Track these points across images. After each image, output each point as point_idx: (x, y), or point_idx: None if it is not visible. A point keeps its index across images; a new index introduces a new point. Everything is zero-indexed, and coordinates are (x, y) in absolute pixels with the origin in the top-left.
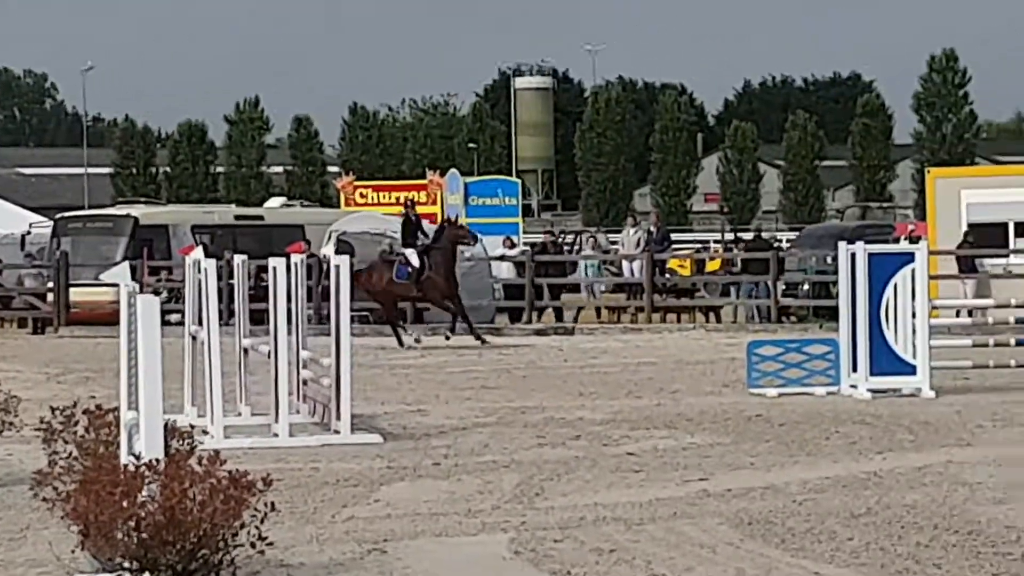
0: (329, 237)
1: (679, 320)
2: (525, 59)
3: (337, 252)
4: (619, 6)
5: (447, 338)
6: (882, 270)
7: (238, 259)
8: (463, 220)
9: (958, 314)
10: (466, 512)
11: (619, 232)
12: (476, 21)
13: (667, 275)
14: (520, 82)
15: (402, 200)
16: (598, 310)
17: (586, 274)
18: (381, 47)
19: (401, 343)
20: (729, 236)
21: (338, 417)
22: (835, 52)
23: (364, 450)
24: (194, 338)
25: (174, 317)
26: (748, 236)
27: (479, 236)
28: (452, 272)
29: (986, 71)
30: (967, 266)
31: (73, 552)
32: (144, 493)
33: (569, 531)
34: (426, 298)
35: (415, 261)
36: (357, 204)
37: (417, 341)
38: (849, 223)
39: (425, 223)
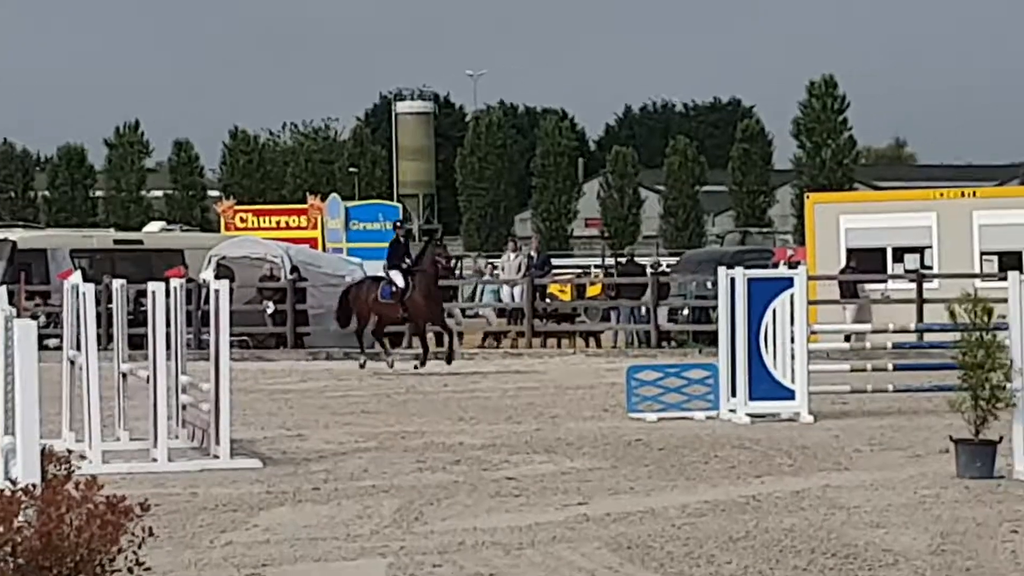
0: (209, 262)
1: (559, 345)
2: (406, 84)
3: (217, 277)
4: (500, 32)
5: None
6: (761, 295)
7: (117, 283)
8: (342, 244)
9: (847, 339)
10: (345, 537)
11: (499, 257)
12: (357, 45)
13: (547, 300)
14: (401, 107)
15: (394, 223)
16: (484, 336)
17: (480, 299)
18: (262, 71)
19: (388, 355)
20: (610, 261)
21: (217, 442)
22: (715, 77)
23: (243, 475)
24: (72, 363)
25: (52, 342)
26: (622, 260)
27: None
28: (435, 293)
29: (864, 97)
30: (849, 291)
31: None
32: (20, 518)
33: (448, 555)
34: (410, 318)
35: (400, 282)
36: (237, 228)
37: (390, 367)
38: (729, 248)
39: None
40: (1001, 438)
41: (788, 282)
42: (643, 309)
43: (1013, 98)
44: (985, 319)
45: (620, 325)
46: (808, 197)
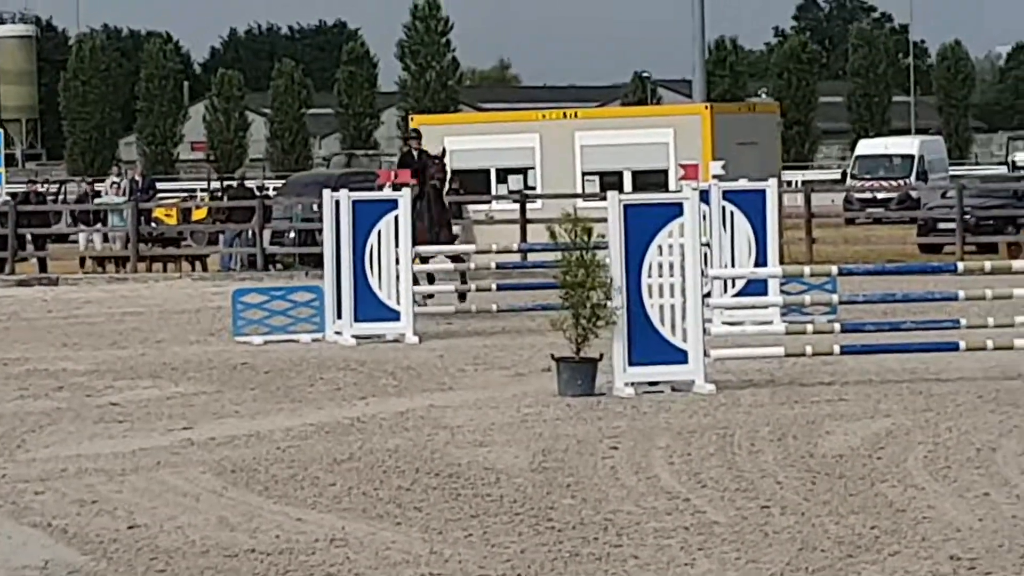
0: None
1: (165, 269)
2: (7, 7)
3: None
4: None
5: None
6: (366, 217)
7: None
8: None
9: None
10: None
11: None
12: None
13: (153, 224)
14: (1, 30)
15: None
16: (82, 260)
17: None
18: None
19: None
20: (216, 185)
21: None
22: (320, 1)
23: None
24: None
25: None
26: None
27: None
28: (440, 217)
29: (468, 20)
30: (453, 212)
31: None
32: None
33: (51, 483)
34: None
35: None
36: None
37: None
38: (335, 171)
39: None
40: (602, 356)
41: (392, 204)
42: (250, 233)
43: (612, 19)
44: (585, 239)
45: (225, 249)
46: (412, 119)
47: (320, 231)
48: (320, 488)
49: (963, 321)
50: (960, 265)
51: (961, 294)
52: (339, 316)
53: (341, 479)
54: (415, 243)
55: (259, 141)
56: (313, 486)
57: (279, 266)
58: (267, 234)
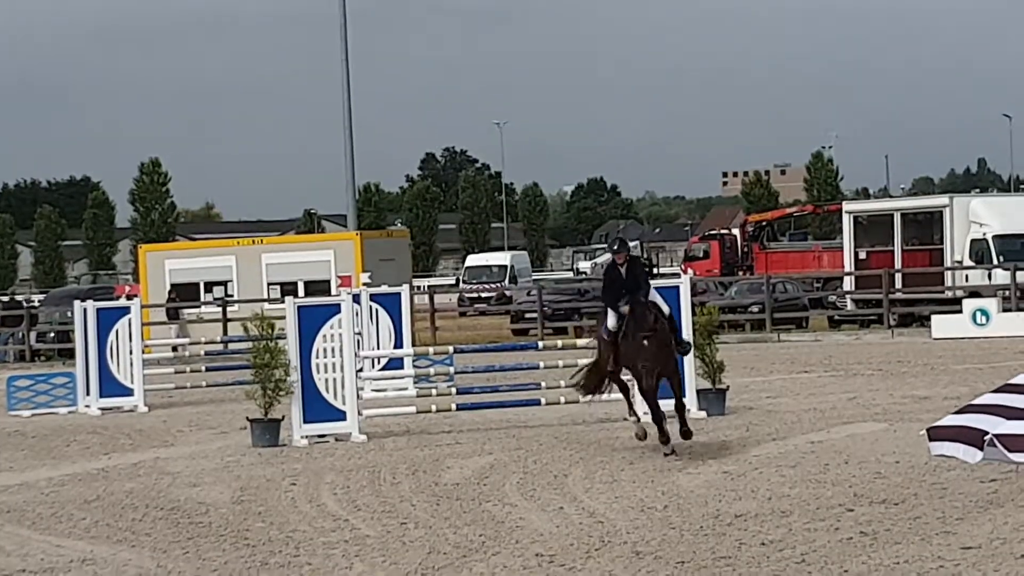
0: None
1: None
2: None
3: None
4: None
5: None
6: (108, 320)
7: None
8: None
9: (174, 349)
10: None
11: None
12: None
13: None
14: None
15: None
16: None
17: None
18: None
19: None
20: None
21: None
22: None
23: None
24: None
25: None
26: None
27: None
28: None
29: (183, 169)
30: (173, 314)
31: None
32: None
33: None
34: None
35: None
36: None
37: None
38: (84, 287)
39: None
40: (283, 417)
41: (126, 310)
42: (20, 334)
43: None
44: (270, 331)
45: (1, 346)
46: (141, 248)
47: (73, 331)
48: (74, 522)
49: (543, 384)
50: (540, 344)
51: (542, 364)
52: (88, 393)
53: (90, 515)
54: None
55: (26, 266)
56: (69, 520)
57: (43, 358)
58: (33, 335)
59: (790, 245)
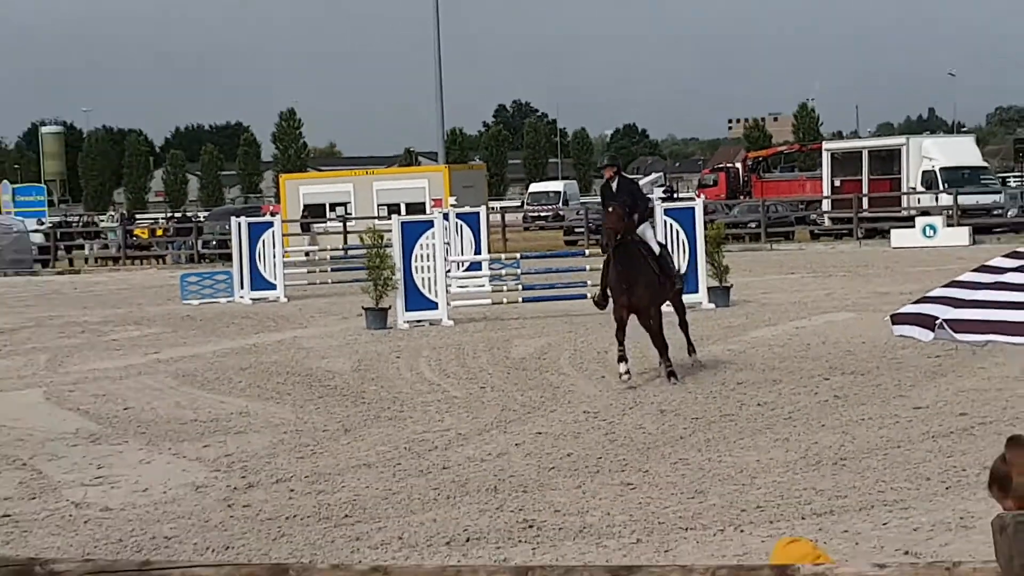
0: None
1: (142, 264)
2: (49, 115)
3: None
4: None
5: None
6: (256, 232)
7: None
8: (11, 210)
9: (307, 254)
10: (17, 378)
11: None
12: None
13: (133, 238)
14: (46, 129)
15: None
16: (95, 259)
17: (110, 237)
18: None
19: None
20: (172, 215)
21: None
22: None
23: None
24: None
25: None
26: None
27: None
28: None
29: (313, 115)
30: (305, 228)
31: None
32: None
33: (79, 385)
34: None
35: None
36: None
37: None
38: (238, 206)
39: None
40: (390, 306)
41: (270, 224)
42: (190, 242)
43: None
44: (380, 241)
45: (176, 251)
46: (280, 176)
47: (230, 240)
48: (233, 384)
49: (588, 282)
50: (587, 251)
51: (587, 266)
52: (242, 287)
53: (244, 378)
54: None
55: (194, 190)
56: (229, 383)
57: (207, 260)
58: (200, 242)
59: (781, 176)
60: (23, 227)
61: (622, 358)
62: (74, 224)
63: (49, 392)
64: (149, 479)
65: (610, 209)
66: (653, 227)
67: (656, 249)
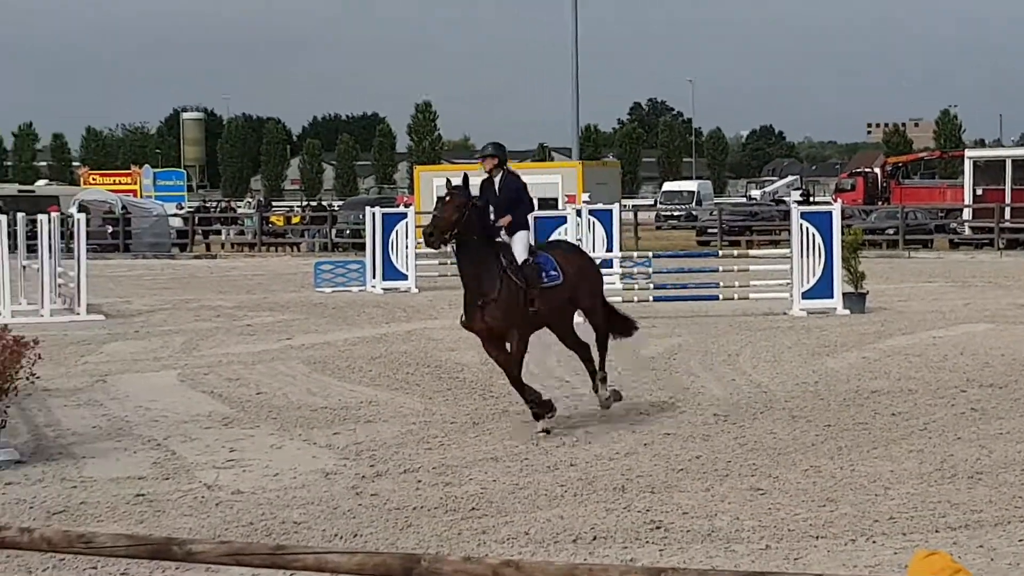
0: (74, 203)
1: (277, 251)
2: (190, 101)
3: (79, 211)
4: None
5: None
6: (390, 222)
7: (19, 216)
8: (152, 194)
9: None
10: (153, 359)
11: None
12: None
13: (269, 225)
14: (187, 115)
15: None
16: (232, 244)
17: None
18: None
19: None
20: (306, 204)
21: (79, 304)
22: (362, 99)
23: (94, 324)
24: None
25: None
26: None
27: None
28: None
29: (448, 107)
30: None
31: None
32: None
33: (213, 369)
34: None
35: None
36: (90, 184)
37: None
38: (372, 196)
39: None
40: None
41: (403, 215)
42: (324, 230)
43: (528, 106)
44: None
45: (310, 239)
46: (415, 168)
47: (363, 229)
48: (363, 372)
49: (720, 283)
50: (720, 252)
51: (720, 268)
52: (374, 277)
53: (374, 367)
54: None
55: (329, 179)
56: (359, 371)
57: (340, 249)
58: (334, 231)
59: (920, 182)
60: (162, 211)
61: (536, 414)
62: (212, 209)
63: (184, 374)
64: (280, 464)
65: (447, 198)
66: (528, 240)
67: (520, 259)
